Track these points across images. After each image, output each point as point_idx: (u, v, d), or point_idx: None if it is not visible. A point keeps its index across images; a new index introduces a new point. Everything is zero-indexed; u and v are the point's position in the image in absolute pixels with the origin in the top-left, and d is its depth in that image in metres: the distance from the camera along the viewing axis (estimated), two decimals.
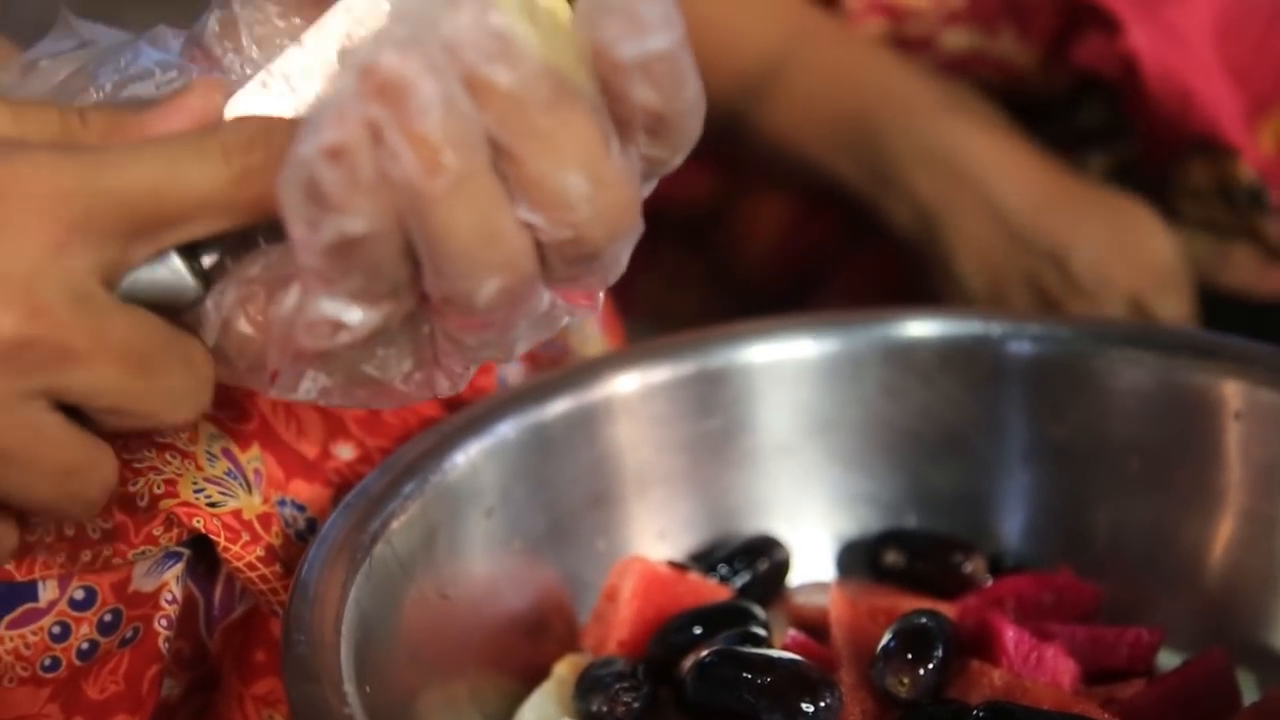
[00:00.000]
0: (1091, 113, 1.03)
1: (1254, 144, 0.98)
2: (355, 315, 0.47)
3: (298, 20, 0.52)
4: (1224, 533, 0.71)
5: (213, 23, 0.53)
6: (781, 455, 0.77)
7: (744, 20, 1.01)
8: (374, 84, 0.44)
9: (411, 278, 0.47)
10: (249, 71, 0.52)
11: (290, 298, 0.48)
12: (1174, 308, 0.94)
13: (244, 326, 0.50)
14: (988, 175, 0.95)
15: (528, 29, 0.46)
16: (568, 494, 0.72)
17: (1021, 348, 0.76)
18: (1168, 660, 0.69)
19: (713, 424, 0.76)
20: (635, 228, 0.49)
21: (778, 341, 0.77)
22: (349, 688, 0.53)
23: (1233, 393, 0.71)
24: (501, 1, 0.46)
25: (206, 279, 0.49)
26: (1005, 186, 0.95)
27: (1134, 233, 0.94)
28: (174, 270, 0.48)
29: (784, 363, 0.76)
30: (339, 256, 0.46)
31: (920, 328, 0.77)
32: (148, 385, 0.48)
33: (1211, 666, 0.66)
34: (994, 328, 0.77)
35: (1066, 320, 0.77)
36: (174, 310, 0.49)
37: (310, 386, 0.51)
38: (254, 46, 0.53)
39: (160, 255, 0.48)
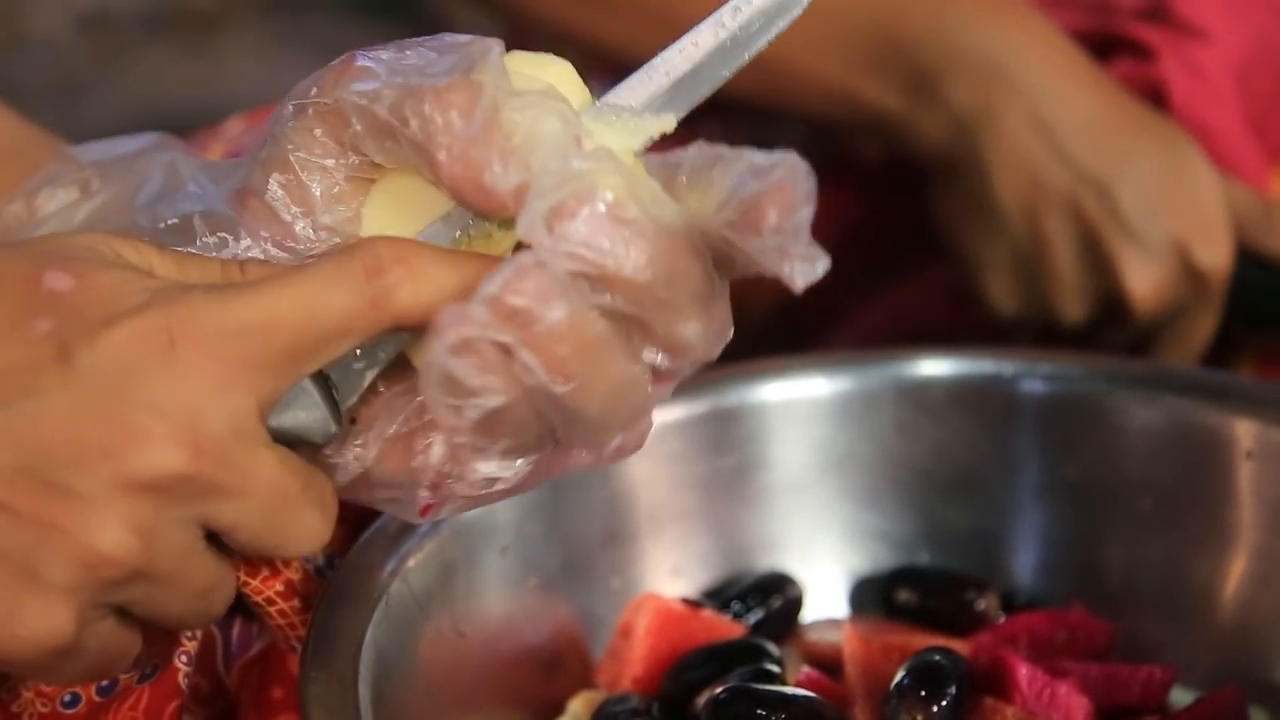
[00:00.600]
0: None
1: (1268, 189, 0.98)
2: (509, 470, 0.52)
3: (354, 160, 0.53)
4: (1236, 571, 0.72)
5: (275, 187, 0.53)
6: (795, 493, 0.77)
7: None
8: (503, 311, 0.46)
9: (553, 428, 0.51)
10: (321, 237, 0.53)
11: (436, 450, 0.51)
12: (1214, 257, 0.88)
13: (385, 473, 0.53)
14: (1036, 81, 0.87)
15: (628, 190, 0.48)
16: (582, 532, 0.73)
17: (1034, 386, 0.76)
18: (1181, 698, 0.69)
19: (726, 462, 0.76)
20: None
21: (791, 380, 0.77)
22: None
23: (1244, 432, 0.72)
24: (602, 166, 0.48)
25: (339, 415, 0.51)
26: (1055, 96, 0.87)
27: (1187, 173, 0.88)
28: (314, 403, 0.50)
29: (797, 401, 0.77)
30: (484, 430, 0.49)
31: (933, 366, 0.78)
32: (285, 521, 0.49)
33: (1224, 704, 0.66)
34: (1006, 366, 0.77)
35: (1079, 359, 0.78)
36: (312, 447, 0.51)
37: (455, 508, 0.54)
38: (326, 211, 0.53)
39: (300, 390, 0.50)
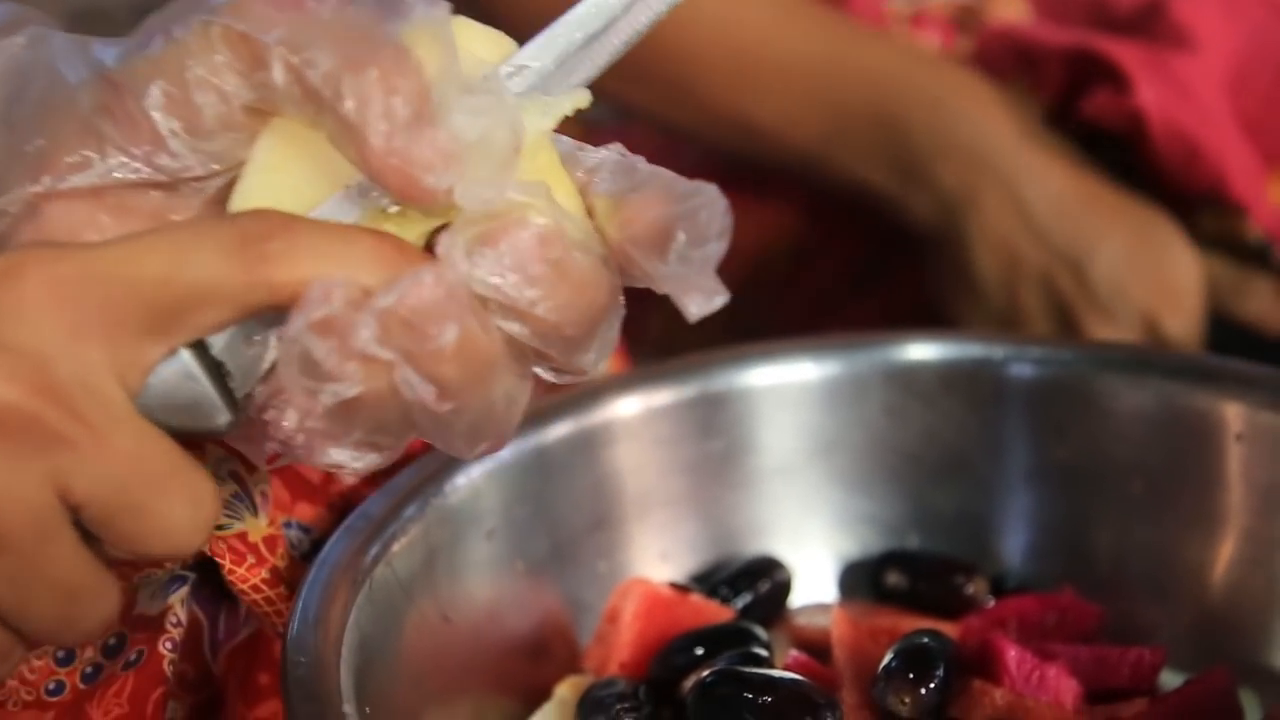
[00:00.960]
0: (1101, 164, 1.03)
1: (1263, 199, 0.98)
2: (359, 461, 0.49)
3: (258, 95, 0.48)
4: (1226, 553, 0.72)
5: (157, 94, 0.48)
6: (783, 477, 0.77)
7: (752, 19, 1.00)
8: (393, 324, 0.45)
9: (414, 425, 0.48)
10: (199, 161, 0.49)
11: (289, 418, 0.47)
12: (1182, 328, 0.93)
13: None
14: (1014, 167, 0.94)
15: (556, 227, 0.47)
16: (569, 516, 0.72)
17: (1024, 370, 0.76)
18: (1170, 680, 0.68)
19: (715, 446, 0.76)
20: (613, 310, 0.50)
21: (780, 364, 0.77)
22: (349, 709, 0.53)
23: (1234, 415, 0.71)
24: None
25: (234, 403, 0.48)
26: (1031, 180, 0.94)
27: (1158, 250, 0.93)
28: (193, 381, 0.47)
29: (786, 385, 0.77)
30: (338, 418, 0.46)
31: (922, 350, 0.77)
32: (144, 505, 0.45)
33: (1214, 685, 0.66)
34: (996, 350, 0.77)
35: (1068, 343, 0.78)
36: (195, 435, 0.48)
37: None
38: (211, 137, 0.49)
39: (178, 365, 0.46)
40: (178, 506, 0.46)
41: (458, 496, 0.67)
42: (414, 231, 0.49)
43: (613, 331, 0.51)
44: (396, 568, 0.63)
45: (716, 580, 0.74)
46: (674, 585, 0.72)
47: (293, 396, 0.46)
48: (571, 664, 0.71)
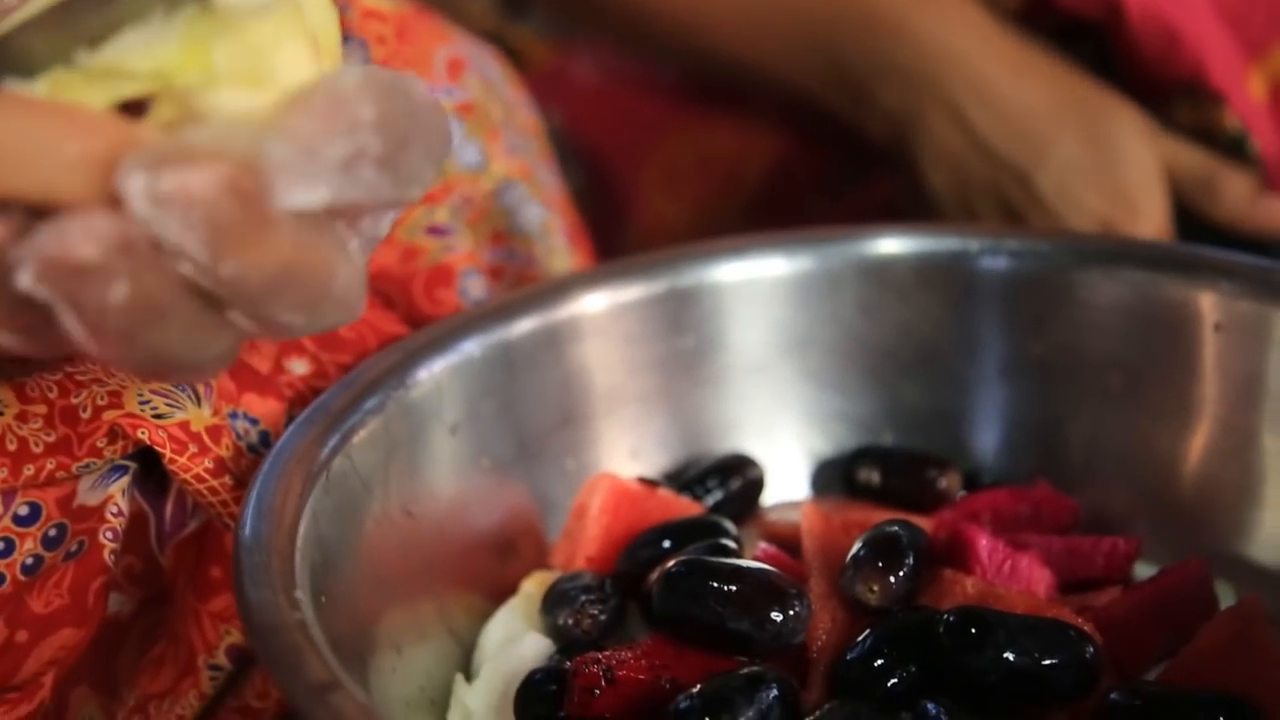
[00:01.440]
0: (1076, 57, 1.01)
1: (1242, 90, 0.96)
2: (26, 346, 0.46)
3: None
4: (1202, 445, 0.70)
5: None
6: (755, 374, 0.76)
7: None
8: (58, 268, 0.41)
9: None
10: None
11: None
12: (1141, 233, 0.90)
13: None
14: (952, 83, 0.92)
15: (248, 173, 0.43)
16: (536, 413, 0.71)
17: (999, 263, 0.75)
18: (1145, 573, 0.67)
19: (685, 343, 0.75)
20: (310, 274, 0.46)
21: (751, 259, 0.75)
22: (301, 595, 0.52)
23: (1212, 305, 0.70)
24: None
25: None
26: (971, 96, 0.91)
27: (1111, 152, 0.90)
28: None
29: (758, 280, 0.75)
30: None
31: (896, 244, 0.76)
32: None
33: (1190, 575, 0.65)
34: (971, 243, 0.75)
35: (1045, 235, 0.76)
36: None
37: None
38: None
39: None
40: None
41: (420, 391, 0.66)
42: (104, 95, 0.45)
43: (342, 287, 0.47)
44: (356, 460, 0.61)
45: (687, 478, 0.73)
46: (642, 480, 0.71)
47: None
48: (540, 561, 0.70)
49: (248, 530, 0.54)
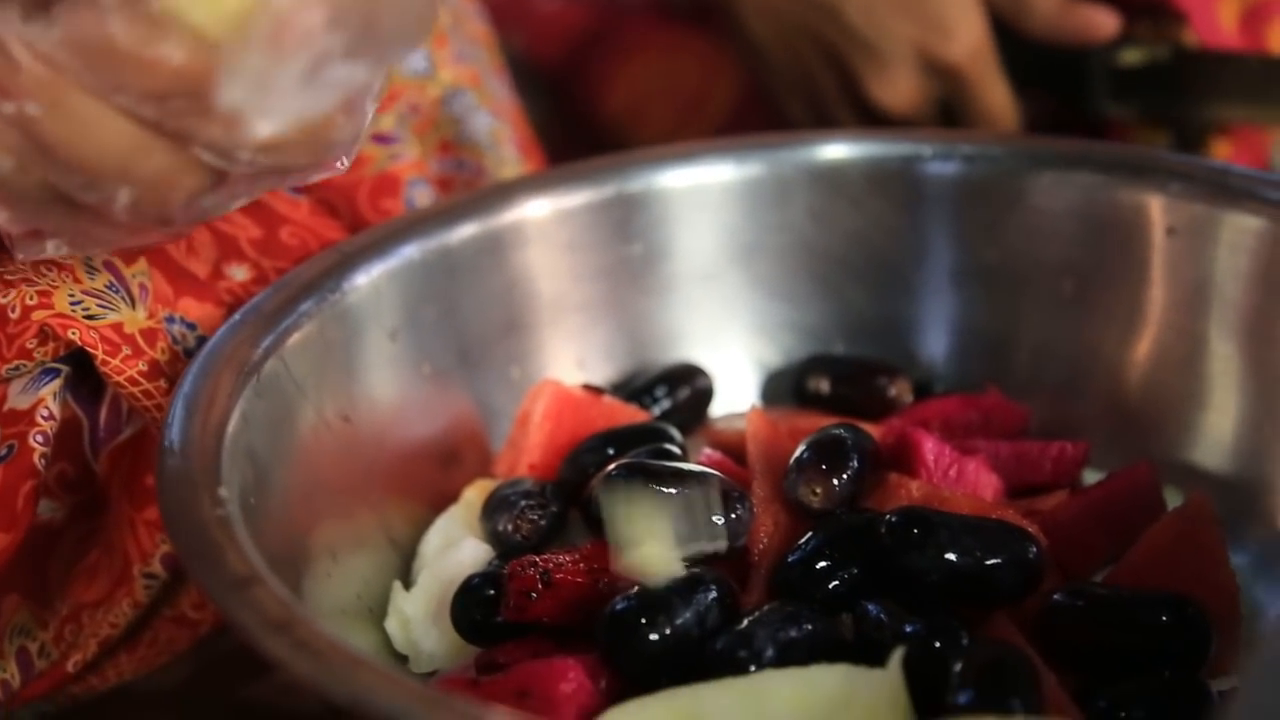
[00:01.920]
0: None
1: (1212, 17, 0.94)
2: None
3: None
4: (1152, 351, 0.69)
5: None
6: (704, 282, 0.75)
7: None
8: None
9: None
10: None
11: None
12: (956, 52, 0.89)
13: None
14: None
15: None
16: (479, 320, 0.70)
17: (952, 168, 0.73)
18: (1096, 481, 0.67)
19: (632, 250, 0.73)
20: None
21: (699, 165, 0.74)
22: (225, 493, 0.51)
23: (1165, 208, 0.69)
24: None
25: None
26: None
27: None
28: None
29: (706, 187, 0.74)
30: None
31: (847, 150, 0.74)
32: None
33: (1138, 480, 0.64)
34: (924, 148, 0.74)
35: (998, 139, 0.75)
36: None
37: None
38: None
39: None
40: None
41: (357, 295, 0.64)
42: None
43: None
44: (289, 363, 0.60)
45: (635, 387, 0.72)
46: (587, 387, 0.69)
47: None
48: (483, 470, 0.69)
49: (172, 428, 0.53)
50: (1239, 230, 0.65)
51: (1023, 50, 0.89)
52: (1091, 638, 0.57)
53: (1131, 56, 0.89)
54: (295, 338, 0.61)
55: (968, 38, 0.88)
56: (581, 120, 1.10)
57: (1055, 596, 0.57)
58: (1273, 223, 0.64)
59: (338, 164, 0.52)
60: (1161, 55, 0.88)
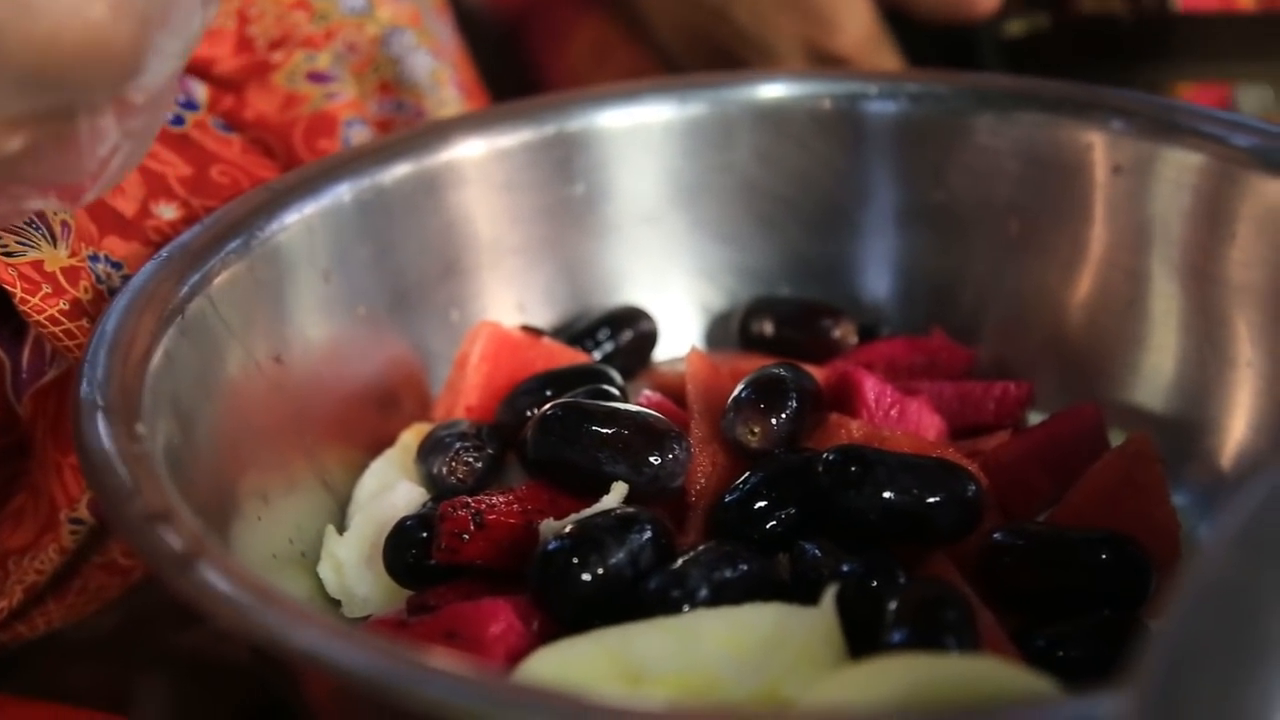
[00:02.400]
0: None
1: None
2: None
3: None
4: (1098, 291, 0.69)
5: None
6: (646, 224, 0.73)
7: None
8: None
9: None
10: None
11: None
12: (854, 47, 0.87)
13: None
14: None
15: None
16: (415, 261, 0.68)
17: (898, 107, 0.72)
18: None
19: (572, 191, 0.72)
20: None
21: (642, 104, 0.72)
22: (143, 429, 0.50)
23: (1110, 146, 0.68)
24: None
25: None
26: None
27: None
28: None
29: (648, 126, 0.72)
30: None
31: (792, 88, 0.73)
32: None
33: (1081, 420, 0.64)
34: (870, 87, 0.73)
35: (944, 78, 0.73)
36: None
37: None
38: None
39: None
40: None
41: (288, 234, 0.63)
42: None
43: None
44: (217, 302, 0.59)
45: (576, 330, 0.71)
46: (526, 328, 0.68)
47: None
48: (423, 414, 0.68)
49: (89, 365, 0.52)
50: (1181, 167, 0.65)
51: (915, 32, 0.88)
52: (1032, 577, 0.56)
53: (1016, 28, 0.88)
54: (223, 277, 0.60)
55: (854, 28, 0.87)
56: (538, 71, 1.09)
57: (995, 536, 0.56)
58: (1215, 159, 0.63)
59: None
60: (1042, 25, 0.88)
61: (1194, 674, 0.33)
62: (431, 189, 0.68)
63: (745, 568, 0.53)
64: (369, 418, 0.66)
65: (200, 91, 0.71)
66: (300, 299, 0.64)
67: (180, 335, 0.56)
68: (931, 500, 0.55)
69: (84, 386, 0.50)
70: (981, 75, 0.76)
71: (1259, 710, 0.33)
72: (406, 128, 0.74)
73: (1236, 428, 0.63)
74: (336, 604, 0.60)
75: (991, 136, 0.71)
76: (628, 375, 0.69)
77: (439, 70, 0.79)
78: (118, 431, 0.48)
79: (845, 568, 0.52)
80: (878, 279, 0.74)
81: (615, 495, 0.57)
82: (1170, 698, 0.33)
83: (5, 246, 0.56)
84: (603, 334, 0.71)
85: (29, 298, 0.56)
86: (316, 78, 0.73)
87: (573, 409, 0.59)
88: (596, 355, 0.70)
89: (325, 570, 0.60)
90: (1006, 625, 0.54)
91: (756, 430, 0.58)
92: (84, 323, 0.57)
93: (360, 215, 0.66)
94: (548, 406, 0.59)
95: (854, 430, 0.60)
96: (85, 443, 0.48)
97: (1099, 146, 0.68)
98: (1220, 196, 0.63)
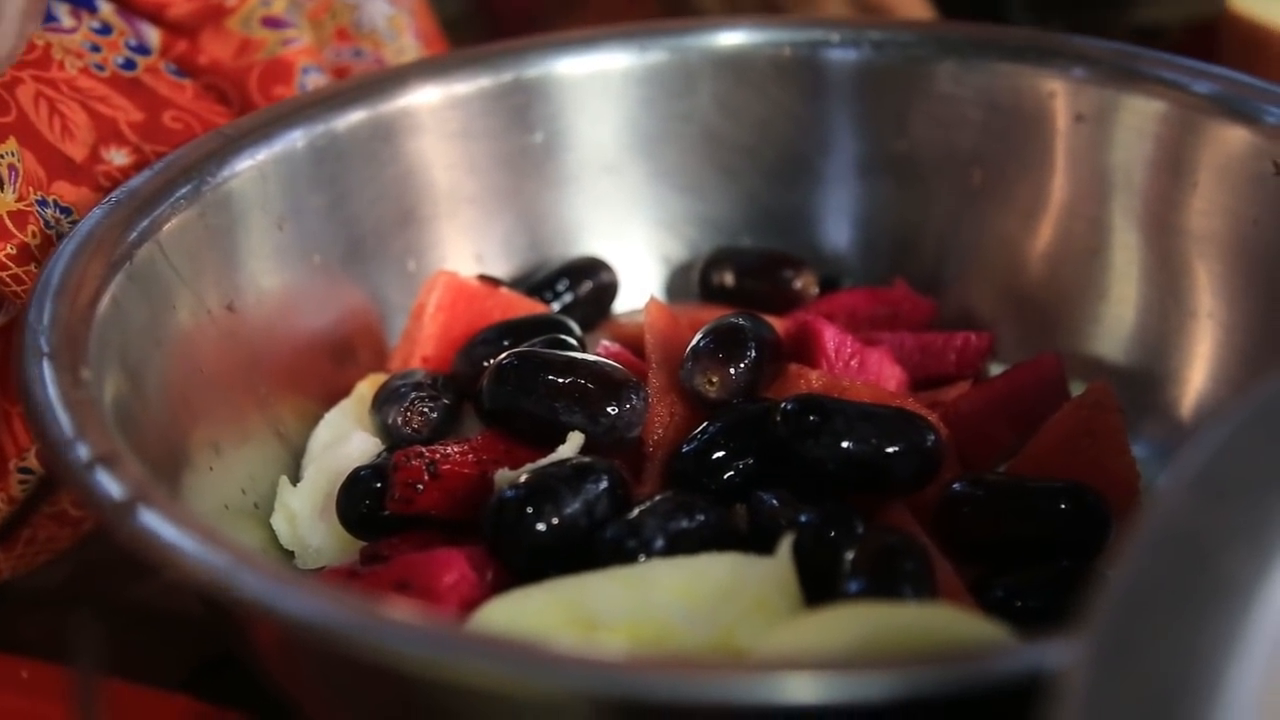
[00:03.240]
0: None
1: None
2: None
3: None
4: (1060, 241, 0.68)
5: None
6: (606, 174, 0.72)
7: None
8: None
9: None
10: None
11: None
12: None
13: None
14: None
15: None
16: (371, 210, 0.67)
17: (861, 55, 0.71)
18: None
19: (531, 140, 0.71)
20: None
21: (601, 51, 0.71)
22: (88, 374, 0.49)
23: (1072, 93, 0.67)
24: None
25: None
26: None
27: None
28: None
29: (608, 74, 0.71)
30: None
31: (754, 36, 0.72)
32: None
33: (1042, 371, 0.63)
34: (832, 34, 0.72)
35: (907, 25, 0.73)
36: None
37: None
38: None
39: None
40: None
41: (240, 181, 0.62)
42: None
43: None
44: (166, 247, 0.58)
45: (535, 281, 0.70)
46: (483, 278, 0.67)
47: None
48: (380, 365, 0.67)
49: (35, 311, 0.51)
50: (1143, 115, 0.64)
51: None
52: (991, 527, 0.56)
53: None
54: (173, 223, 0.59)
55: None
56: (507, 16, 1.07)
57: (955, 486, 0.56)
58: (1176, 106, 0.63)
59: None
60: None
61: (1147, 618, 0.33)
62: (387, 136, 0.67)
63: (702, 518, 0.52)
64: (324, 368, 0.66)
65: (153, 36, 0.69)
66: (253, 247, 0.63)
67: (129, 282, 0.55)
68: (890, 450, 0.54)
69: (28, 332, 0.49)
70: (943, 23, 0.75)
71: (1212, 654, 0.33)
72: (358, 75, 0.73)
73: (1196, 378, 0.63)
74: (290, 555, 0.60)
75: (954, 85, 0.70)
76: (588, 326, 0.68)
77: (397, 17, 0.78)
78: (62, 378, 0.48)
79: (802, 518, 0.52)
80: (840, 229, 0.73)
81: (571, 445, 0.56)
82: (1123, 642, 0.32)
83: None
84: (562, 285, 0.70)
85: None
86: (272, 23, 0.72)
87: (529, 358, 0.58)
88: (556, 306, 0.69)
89: (279, 521, 0.60)
90: (966, 576, 0.54)
91: (715, 380, 0.58)
92: (31, 268, 0.56)
93: (314, 162, 0.65)
94: (503, 355, 0.58)
95: (813, 380, 0.59)
96: (28, 389, 0.47)
97: (1061, 94, 0.68)
98: (1182, 145, 0.63)
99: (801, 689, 0.38)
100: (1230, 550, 0.34)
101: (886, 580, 0.48)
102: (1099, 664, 0.32)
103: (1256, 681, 0.32)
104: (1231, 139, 0.61)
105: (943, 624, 0.45)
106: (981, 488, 0.56)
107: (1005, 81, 0.69)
